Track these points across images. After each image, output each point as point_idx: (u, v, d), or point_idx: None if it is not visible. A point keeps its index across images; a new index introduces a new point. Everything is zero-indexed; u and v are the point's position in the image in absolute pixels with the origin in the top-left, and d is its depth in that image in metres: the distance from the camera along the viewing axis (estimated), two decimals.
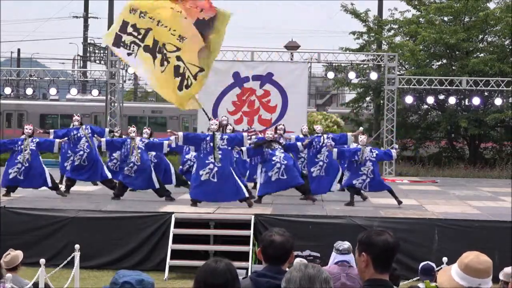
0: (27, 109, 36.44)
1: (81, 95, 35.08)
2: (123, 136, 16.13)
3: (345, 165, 15.36)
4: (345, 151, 14.80)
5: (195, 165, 14.05)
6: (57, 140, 15.23)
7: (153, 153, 15.70)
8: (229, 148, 13.92)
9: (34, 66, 39.93)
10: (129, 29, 13.42)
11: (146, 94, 65.00)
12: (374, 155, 14.54)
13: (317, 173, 15.10)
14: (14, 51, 56.56)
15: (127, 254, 12.71)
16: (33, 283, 8.29)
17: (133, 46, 13.42)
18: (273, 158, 14.35)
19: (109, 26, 37.23)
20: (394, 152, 15.20)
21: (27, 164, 14.66)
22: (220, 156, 13.50)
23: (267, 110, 22.49)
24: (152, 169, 14.93)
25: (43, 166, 14.94)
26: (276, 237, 3.86)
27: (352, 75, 25.03)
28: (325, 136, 15.40)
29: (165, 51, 13.24)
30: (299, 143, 15.13)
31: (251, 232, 12.33)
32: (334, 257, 6.27)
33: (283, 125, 16.81)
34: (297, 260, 6.52)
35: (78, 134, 15.70)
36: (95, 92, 25.73)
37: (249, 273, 6.31)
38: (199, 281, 3.25)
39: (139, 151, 14.68)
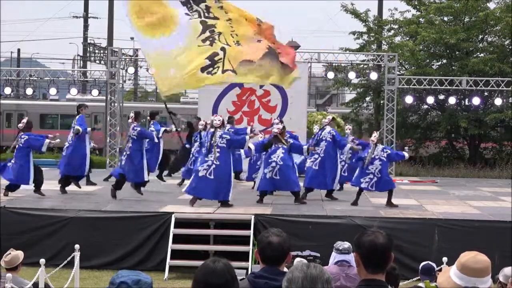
0: (27, 109, 36.45)
1: (81, 95, 35.04)
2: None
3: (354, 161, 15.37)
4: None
5: (198, 160, 13.98)
6: (47, 140, 14.99)
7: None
8: (228, 148, 13.81)
9: (34, 66, 39.95)
10: (202, 5, 13.61)
11: (146, 94, 65.07)
12: (385, 154, 14.23)
13: (311, 164, 15.06)
14: (14, 51, 56.67)
15: (127, 254, 12.70)
16: (33, 283, 8.29)
17: (195, 13, 13.54)
18: (272, 156, 14.30)
19: (109, 26, 37.39)
20: (406, 153, 14.79)
21: (14, 161, 14.61)
22: (218, 154, 13.45)
23: (267, 110, 22.49)
24: (144, 161, 14.77)
25: (29, 164, 14.67)
26: (273, 238, 3.84)
27: (352, 75, 25.04)
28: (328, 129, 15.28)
29: (215, 36, 13.42)
30: (305, 147, 14.80)
31: (251, 232, 12.32)
32: (334, 257, 6.28)
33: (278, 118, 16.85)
34: (298, 260, 6.52)
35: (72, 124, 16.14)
36: (95, 92, 25.70)
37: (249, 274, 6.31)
38: (198, 281, 3.24)
39: (130, 140, 14.70)
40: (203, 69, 13.14)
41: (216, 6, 13.67)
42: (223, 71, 13.15)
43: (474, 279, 3.35)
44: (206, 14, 13.60)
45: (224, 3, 13.68)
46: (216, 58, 13.15)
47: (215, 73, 13.15)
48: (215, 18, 13.59)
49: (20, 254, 7.81)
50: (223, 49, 13.23)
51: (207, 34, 13.42)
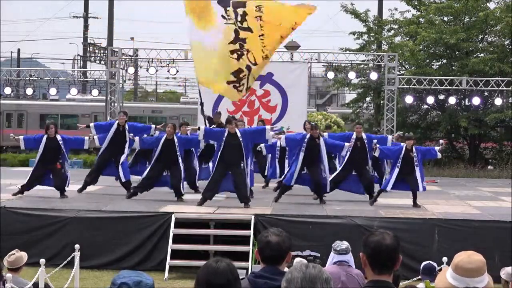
0: (27, 109, 36.47)
1: (81, 95, 35.08)
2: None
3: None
4: None
5: None
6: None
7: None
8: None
9: (34, 66, 39.93)
10: (239, 10, 13.99)
11: (146, 94, 65.10)
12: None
13: None
14: (14, 51, 56.63)
15: (127, 254, 12.70)
16: (33, 283, 8.29)
17: (230, 19, 13.99)
18: None
19: (109, 26, 37.40)
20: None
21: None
22: None
23: (267, 110, 22.47)
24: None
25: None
26: (272, 238, 3.85)
27: (352, 75, 25.03)
28: None
29: (244, 52, 13.89)
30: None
31: (251, 232, 12.33)
32: (332, 257, 6.27)
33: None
34: (297, 260, 6.51)
35: None
36: (95, 92, 25.68)
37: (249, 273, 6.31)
38: (200, 281, 3.24)
39: None
40: (229, 83, 13.61)
41: (254, 16, 13.87)
42: (247, 89, 13.94)
43: (468, 279, 3.36)
44: (240, 24, 13.86)
45: (265, 7, 13.84)
46: (241, 75, 13.67)
47: (241, 90, 13.70)
48: (249, 29, 13.80)
49: (24, 255, 7.80)
50: (248, 67, 13.65)
51: (237, 46, 13.88)
